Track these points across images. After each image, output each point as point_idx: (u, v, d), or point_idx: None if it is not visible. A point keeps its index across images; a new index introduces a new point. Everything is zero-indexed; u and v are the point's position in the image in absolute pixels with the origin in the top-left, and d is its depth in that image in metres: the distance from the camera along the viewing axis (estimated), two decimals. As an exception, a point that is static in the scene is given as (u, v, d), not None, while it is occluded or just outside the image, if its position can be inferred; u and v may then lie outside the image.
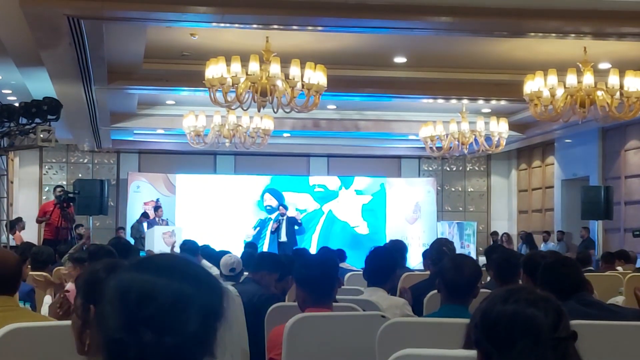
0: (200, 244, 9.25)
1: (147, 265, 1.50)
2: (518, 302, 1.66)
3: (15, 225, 13.88)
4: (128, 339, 1.41)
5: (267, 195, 18.74)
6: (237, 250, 8.64)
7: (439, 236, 18.19)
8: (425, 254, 6.76)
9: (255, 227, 18.27)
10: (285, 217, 17.44)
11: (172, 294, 1.43)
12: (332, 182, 19.32)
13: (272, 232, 17.18)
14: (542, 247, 16.72)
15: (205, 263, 7.78)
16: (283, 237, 17.06)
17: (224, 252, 8.61)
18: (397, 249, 7.16)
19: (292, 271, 4.20)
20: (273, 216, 18.00)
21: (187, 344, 1.43)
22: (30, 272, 6.29)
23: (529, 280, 4.46)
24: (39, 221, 14.31)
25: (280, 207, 17.81)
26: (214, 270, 7.71)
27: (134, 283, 1.45)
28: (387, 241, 11.98)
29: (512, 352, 1.60)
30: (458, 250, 16.74)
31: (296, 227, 17.70)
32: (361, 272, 5.64)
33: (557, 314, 1.65)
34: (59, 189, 13.57)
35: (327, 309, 3.63)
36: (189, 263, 1.52)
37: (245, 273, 6.18)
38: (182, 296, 1.43)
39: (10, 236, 12.17)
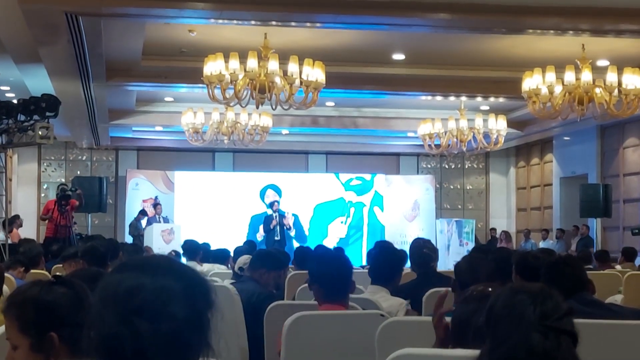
0: (199, 242, 9.23)
1: (130, 266, 1.58)
2: (516, 291, 1.73)
3: (13, 222, 13.86)
4: (125, 330, 1.46)
5: (270, 192, 18.59)
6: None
7: (438, 234, 18.19)
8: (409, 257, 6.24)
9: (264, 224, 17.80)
10: (277, 215, 16.97)
11: (156, 286, 1.51)
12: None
13: (270, 230, 16.86)
14: (540, 244, 16.69)
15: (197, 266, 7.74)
16: (278, 236, 16.75)
17: (221, 251, 8.61)
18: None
19: (307, 266, 4.23)
20: (269, 211, 17.57)
21: (182, 330, 1.49)
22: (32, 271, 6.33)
23: (521, 280, 4.44)
24: (42, 218, 14.43)
25: (274, 204, 17.33)
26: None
27: (120, 281, 1.53)
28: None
29: (500, 330, 1.66)
30: (457, 249, 16.71)
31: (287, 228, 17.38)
32: (359, 271, 5.60)
33: (554, 305, 1.66)
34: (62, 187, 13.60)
35: (341, 305, 3.64)
36: (171, 261, 1.60)
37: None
38: (166, 287, 1.51)
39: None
